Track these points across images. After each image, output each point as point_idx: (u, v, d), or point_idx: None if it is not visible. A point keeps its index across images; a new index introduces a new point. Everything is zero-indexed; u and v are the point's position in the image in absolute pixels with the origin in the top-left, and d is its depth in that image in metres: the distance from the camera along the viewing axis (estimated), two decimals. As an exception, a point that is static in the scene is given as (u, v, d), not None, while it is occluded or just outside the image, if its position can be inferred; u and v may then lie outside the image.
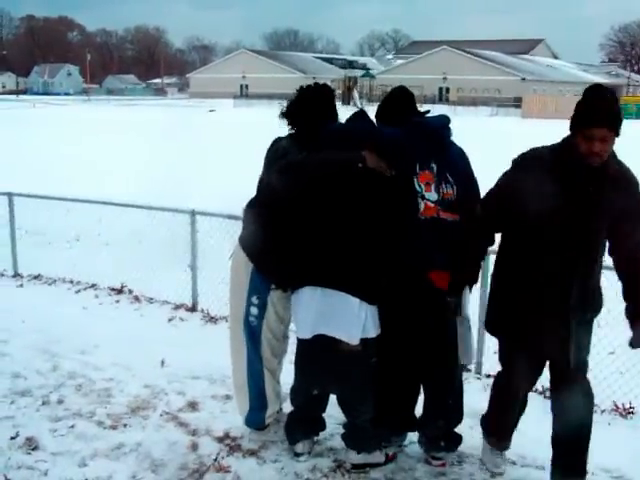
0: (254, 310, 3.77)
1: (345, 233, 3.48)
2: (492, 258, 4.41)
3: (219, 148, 21.63)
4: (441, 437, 3.77)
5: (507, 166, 3.37)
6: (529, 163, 3.29)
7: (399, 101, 3.70)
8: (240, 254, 3.79)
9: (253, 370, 3.87)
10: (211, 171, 15.64)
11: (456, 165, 3.56)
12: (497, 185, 3.39)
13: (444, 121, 3.65)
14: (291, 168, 3.45)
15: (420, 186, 3.46)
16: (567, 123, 3.19)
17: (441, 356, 3.59)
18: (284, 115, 3.72)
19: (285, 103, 3.77)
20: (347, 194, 3.45)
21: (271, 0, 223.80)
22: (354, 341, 3.52)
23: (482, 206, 3.44)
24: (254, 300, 3.75)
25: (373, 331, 3.58)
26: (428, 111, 3.77)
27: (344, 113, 3.81)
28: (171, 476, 3.66)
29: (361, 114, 3.72)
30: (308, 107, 3.67)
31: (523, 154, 3.33)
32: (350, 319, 3.49)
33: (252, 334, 3.81)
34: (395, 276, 3.53)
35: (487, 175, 3.76)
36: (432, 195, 3.46)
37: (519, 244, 3.35)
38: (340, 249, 3.48)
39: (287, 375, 3.99)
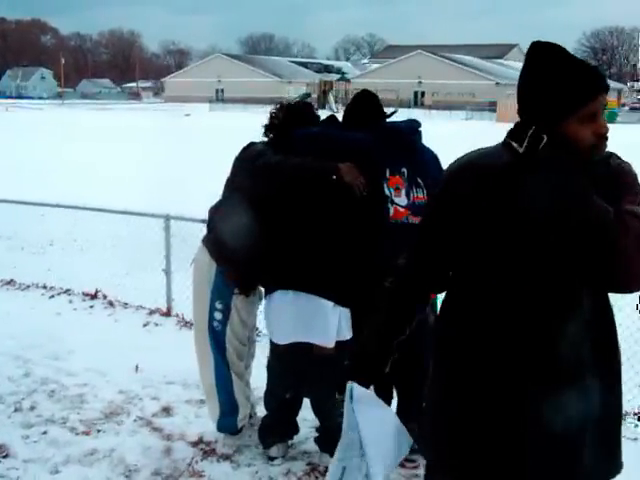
0: (218, 315, 3.77)
1: (315, 237, 3.49)
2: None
3: (196, 153, 21.58)
4: (415, 440, 3.78)
5: None
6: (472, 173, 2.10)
7: (365, 104, 3.70)
8: (202, 258, 3.79)
9: (220, 375, 3.86)
10: (189, 176, 15.58)
11: (427, 169, 3.57)
12: (428, 213, 2.39)
13: (414, 126, 3.67)
14: (267, 170, 3.45)
15: (390, 191, 3.48)
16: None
17: (413, 359, 3.60)
18: (270, 126, 3.72)
19: (271, 114, 3.77)
20: (317, 203, 3.47)
21: (247, 5, 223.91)
22: (329, 345, 3.53)
23: (412, 252, 2.42)
24: (217, 305, 3.75)
25: (347, 333, 3.60)
26: (395, 111, 3.79)
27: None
28: (145, 481, 3.64)
29: (332, 119, 3.74)
30: (293, 123, 3.66)
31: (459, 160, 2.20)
32: (324, 323, 3.50)
33: (217, 339, 3.81)
34: (367, 279, 3.55)
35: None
36: (402, 200, 3.48)
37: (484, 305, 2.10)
38: (310, 252, 3.49)
39: (258, 379, 3.99)
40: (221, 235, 3.75)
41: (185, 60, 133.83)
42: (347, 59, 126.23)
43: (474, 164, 2.13)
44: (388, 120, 3.72)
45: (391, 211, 3.46)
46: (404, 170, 3.50)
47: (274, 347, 3.75)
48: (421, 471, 3.78)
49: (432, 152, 3.67)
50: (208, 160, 18.53)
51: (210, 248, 3.78)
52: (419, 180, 3.52)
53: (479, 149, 2.19)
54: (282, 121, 3.70)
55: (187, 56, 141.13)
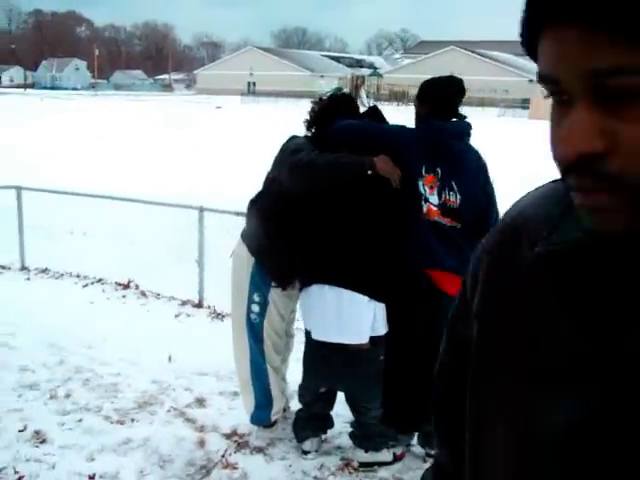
0: (256, 308, 3.76)
1: (350, 232, 3.48)
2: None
3: (227, 145, 21.64)
4: None
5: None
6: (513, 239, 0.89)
7: (457, 95, 3.57)
8: (241, 251, 3.79)
9: (257, 368, 3.87)
10: (220, 168, 15.65)
11: (466, 175, 3.51)
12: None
13: (460, 129, 3.56)
14: (300, 166, 3.43)
15: (424, 189, 3.46)
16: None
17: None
18: (310, 120, 3.70)
19: (311, 107, 3.75)
20: (353, 197, 3.45)
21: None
22: (364, 340, 3.52)
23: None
24: (255, 298, 3.75)
25: (382, 329, 3.58)
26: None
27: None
28: (179, 472, 3.65)
29: (374, 110, 3.71)
30: (336, 112, 3.64)
31: (512, 212, 0.94)
32: (358, 321, 3.48)
33: (254, 332, 3.81)
34: (398, 274, 3.54)
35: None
36: (434, 199, 3.46)
37: None
38: (346, 247, 3.48)
39: (294, 373, 3.98)
40: (257, 229, 3.75)
41: (217, 52, 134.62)
42: (379, 54, 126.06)
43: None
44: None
45: (424, 208, 3.45)
46: (438, 170, 3.47)
47: (309, 341, 3.74)
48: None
49: (478, 159, 3.58)
50: (239, 152, 18.61)
51: (247, 242, 3.78)
52: (453, 183, 3.48)
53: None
54: (319, 114, 3.69)
55: (220, 49, 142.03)
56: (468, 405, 1.00)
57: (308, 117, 3.71)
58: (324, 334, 3.58)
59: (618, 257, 0.71)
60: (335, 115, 3.59)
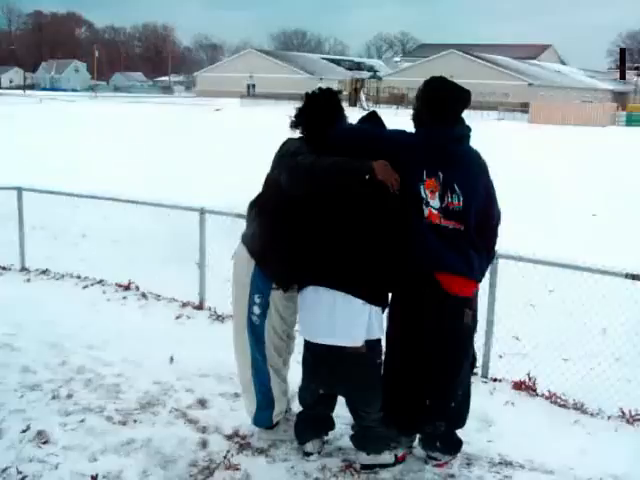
0: (257, 309, 3.77)
1: (347, 235, 3.50)
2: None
3: (225, 147, 21.65)
4: (437, 438, 3.78)
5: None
6: None
7: (461, 105, 3.63)
8: (242, 253, 3.80)
9: (258, 369, 3.88)
10: (219, 170, 15.66)
11: (467, 177, 3.53)
12: None
13: (461, 134, 3.60)
14: (299, 170, 3.45)
15: (425, 193, 3.48)
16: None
17: (444, 359, 3.60)
18: (294, 123, 3.73)
19: (293, 111, 3.77)
20: (350, 201, 3.48)
21: (280, 1, 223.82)
22: (358, 343, 3.53)
23: None
24: (256, 299, 3.75)
25: (378, 332, 3.60)
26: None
27: (350, 115, 3.84)
28: (181, 472, 3.67)
29: (373, 115, 3.73)
30: (317, 112, 3.67)
31: None
32: (353, 321, 3.50)
33: (255, 333, 3.81)
34: (403, 277, 3.56)
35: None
36: (435, 202, 3.48)
37: None
38: (343, 250, 3.50)
39: (296, 375, 4.00)
40: (256, 231, 3.77)
41: (217, 55, 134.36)
42: (379, 57, 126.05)
43: None
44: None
45: (426, 212, 3.48)
46: (440, 174, 3.49)
47: (307, 343, 3.75)
48: (457, 471, 3.77)
49: (479, 161, 3.60)
50: (238, 154, 18.63)
51: (247, 244, 3.80)
52: (455, 187, 3.49)
53: None
54: (302, 113, 3.71)
55: (219, 51, 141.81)
56: None
57: (293, 118, 3.72)
58: (315, 335, 3.60)
59: None
60: (318, 111, 3.63)
